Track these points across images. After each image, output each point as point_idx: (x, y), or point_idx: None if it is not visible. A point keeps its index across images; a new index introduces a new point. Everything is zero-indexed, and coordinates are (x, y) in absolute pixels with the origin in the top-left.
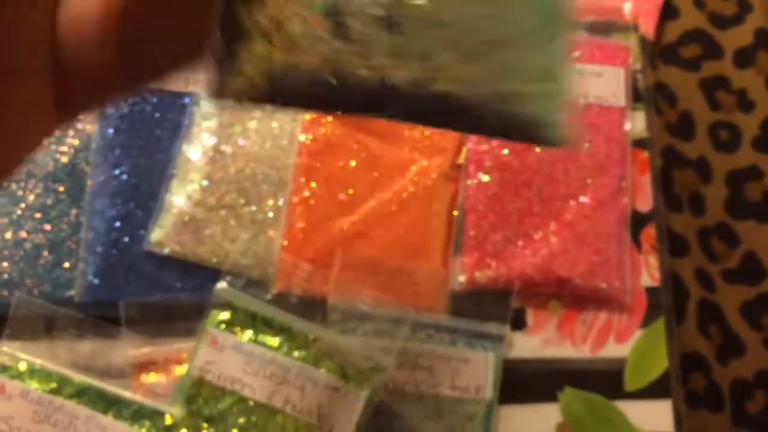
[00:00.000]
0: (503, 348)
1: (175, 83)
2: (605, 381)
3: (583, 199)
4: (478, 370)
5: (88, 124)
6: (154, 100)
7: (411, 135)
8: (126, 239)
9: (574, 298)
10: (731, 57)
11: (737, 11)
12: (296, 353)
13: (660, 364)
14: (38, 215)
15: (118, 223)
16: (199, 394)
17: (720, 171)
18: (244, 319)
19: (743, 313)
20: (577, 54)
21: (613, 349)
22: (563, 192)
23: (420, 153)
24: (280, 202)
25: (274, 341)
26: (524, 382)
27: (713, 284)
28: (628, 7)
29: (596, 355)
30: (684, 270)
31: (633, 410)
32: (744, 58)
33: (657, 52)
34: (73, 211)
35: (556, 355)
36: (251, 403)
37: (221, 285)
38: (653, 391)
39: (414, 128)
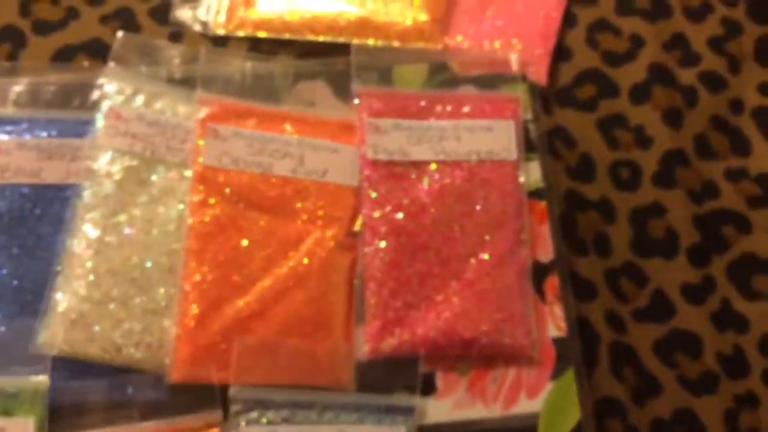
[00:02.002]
0: (413, 419)
1: (55, 174)
2: None
3: (483, 255)
4: None
5: None
6: (34, 195)
7: (303, 207)
8: None
9: (482, 357)
10: (627, 94)
11: (629, 47)
12: None
13: (573, 415)
14: None
15: (2, 328)
16: None
17: (623, 210)
18: None
19: (656, 352)
20: (466, 110)
21: (525, 405)
22: (462, 251)
23: (314, 224)
24: (172, 289)
25: None
26: None
27: (624, 325)
28: (514, 58)
29: (508, 412)
30: (593, 314)
31: None
32: (639, 93)
33: (552, 95)
34: None
35: (469, 416)
36: None
37: None
38: None
39: (306, 199)
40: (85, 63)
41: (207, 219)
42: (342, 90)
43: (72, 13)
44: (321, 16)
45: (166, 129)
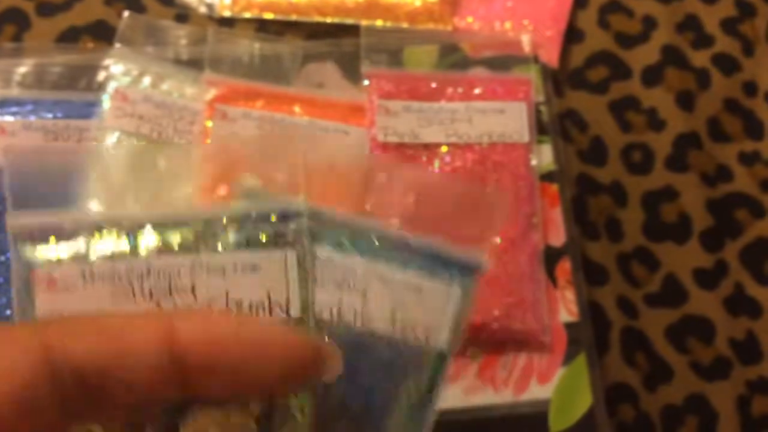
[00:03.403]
0: (474, 286)
1: None
2: (530, 424)
3: (494, 239)
4: (433, 306)
5: None
6: None
7: None
8: None
9: (492, 342)
10: (639, 76)
11: (642, 29)
12: None
13: (585, 400)
14: None
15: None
16: None
17: (635, 194)
18: None
19: (668, 337)
20: (478, 91)
21: (537, 391)
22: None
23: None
24: None
25: None
26: None
27: (636, 310)
28: (526, 40)
29: (519, 398)
30: (605, 299)
31: None
32: (652, 76)
33: (564, 77)
34: None
35: (479, 402)
36: None
37: None
38: (580, 429)
39: None
40: (90, 45)
41: (215, 201)
42: (351, 72)
43: None
44: None
45: (173, 110)
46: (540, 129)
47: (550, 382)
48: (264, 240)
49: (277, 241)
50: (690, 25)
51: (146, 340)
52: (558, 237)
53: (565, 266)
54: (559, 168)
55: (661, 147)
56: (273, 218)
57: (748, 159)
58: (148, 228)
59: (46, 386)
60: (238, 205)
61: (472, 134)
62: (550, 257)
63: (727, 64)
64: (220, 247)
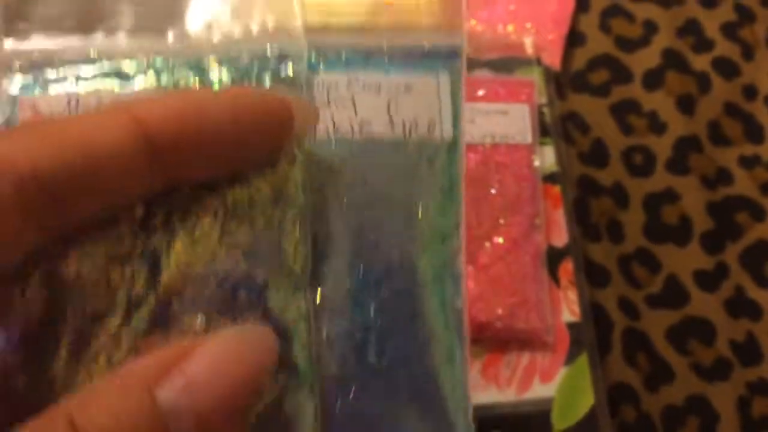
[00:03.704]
0: (462, 70)
1: None
2: (533, 423)
3: (497, 239)
4: (426, 99)
5: None
6: None
7: None
8: None
9: (496, 341)
10: (640, 80)
11: (643, 33)
12: None
13: (587, 400)
14: None
15: None
16: None
17: (636, 196)
18: None
19: (669, 338)
20: (481, 93)
21: (539, 390)
22: (476, 234)
23: None
24: None
25: None
26: None
27: (637, 311)
28: (529, 42)
29: (522, 397)
30: (606, 300)
31: None
32: (653, 79)
33: (566, 81)
34: None
35: (482, 400)
36: None
37: None
38: (582, 428)
39: None
40: None
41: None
42: None
43: None
44: None
45: None
46: (543, 131)
47: (553, 381)
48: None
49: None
50: (690, 29)
51: (114, 134)
52: (560, 238)
53: (567, 267)
54: (561, 169)
55: (662, 150)
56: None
57: (749, 162)
58: (133, 62)
59: (11, 197)
60: (232, 45)
61: (475, 135)
62: (553, 258)
63: (727, 69)
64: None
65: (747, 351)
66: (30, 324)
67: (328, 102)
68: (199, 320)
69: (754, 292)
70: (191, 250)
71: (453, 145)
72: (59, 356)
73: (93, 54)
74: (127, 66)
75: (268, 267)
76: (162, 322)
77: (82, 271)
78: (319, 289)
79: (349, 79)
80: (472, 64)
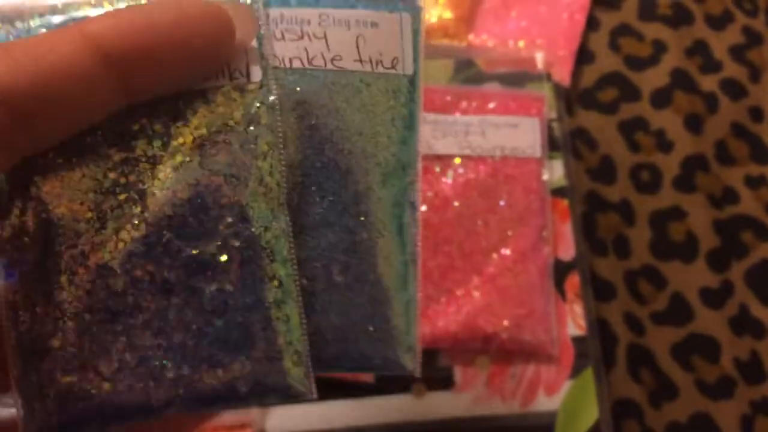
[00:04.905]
0: (421, 12)
1: None
2: None
3: (505, 251)
4: (390, 36)
5: None
6: None
7: None
8: None
9: (501, 352)
10: (648, 98)
11: (652, 52)
12: None
13: (591, 414)
14: None
15: None
16: None
17: (643, 213)
18: None
19: (674, 355)
20: (492, 106)
21: (544, 403)
22: (484, 246)
23: None
24: None
25: None
26: None
27: (642, 327)
28: (540, 57)
29: (527, 409)
30: (612, 315)
31: None
32: (661, 98)
33: (575, 97)
34: None
35: (487, 412)
36: None
37: None
38: None
39: None
40: None
41: None
42: None
43: None
44: None
45: None
46: (552, 145)
47: (557, 394)
48: None
49: None
50: (699, 50)
51: (68, 48)
52: (567, 251)
53: (574, 280)
54: (569, 184)
55: (669, 168)
56: None
57: (754, 182)
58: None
59: None
60: None
61: (486, 147)
62: (560, 271)
63: (734, 90)
64: None
65: (751, 369)
66: (25, 264)
67: (302, 35)
68: (190, 246)
69: (759, 311)
70: (174, 177)
71: (413, 80)
72: (57, 290)
73: (60, 6)
74: (95, 15)
75: (248, 188)
76: (154, 248)
77: (72, 208)
78: (289, 213)
79: (321, 14)
80: (483, 77)
